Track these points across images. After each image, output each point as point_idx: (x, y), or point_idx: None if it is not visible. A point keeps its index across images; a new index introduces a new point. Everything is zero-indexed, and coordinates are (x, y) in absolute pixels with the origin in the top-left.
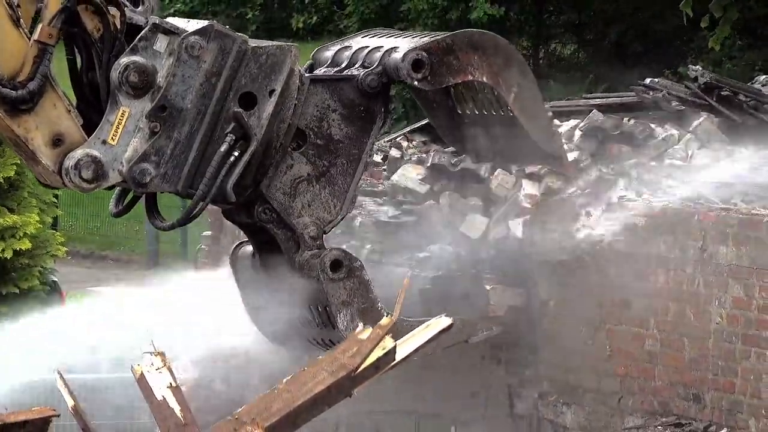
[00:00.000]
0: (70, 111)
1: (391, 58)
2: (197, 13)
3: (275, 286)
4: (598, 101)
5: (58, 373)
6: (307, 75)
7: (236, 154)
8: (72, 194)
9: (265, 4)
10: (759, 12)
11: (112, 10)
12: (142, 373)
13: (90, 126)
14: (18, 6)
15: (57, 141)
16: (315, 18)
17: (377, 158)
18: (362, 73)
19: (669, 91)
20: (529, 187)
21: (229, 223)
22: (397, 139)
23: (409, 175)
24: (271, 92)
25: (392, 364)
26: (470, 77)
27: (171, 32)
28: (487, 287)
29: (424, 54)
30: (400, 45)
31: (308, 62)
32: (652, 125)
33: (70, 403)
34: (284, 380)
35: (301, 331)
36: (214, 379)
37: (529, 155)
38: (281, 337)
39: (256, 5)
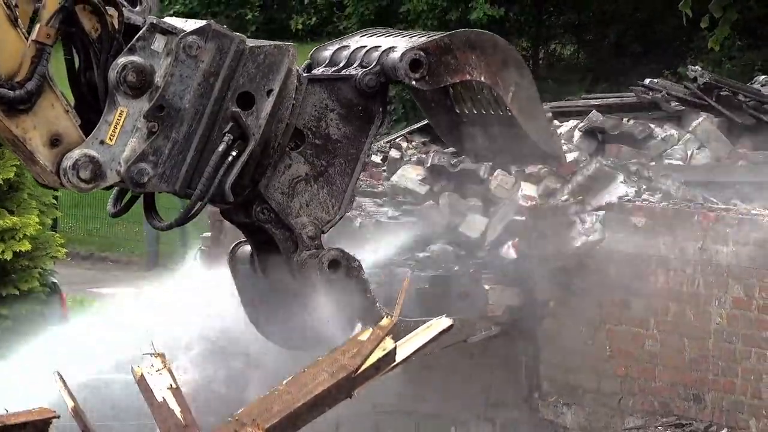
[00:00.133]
0: (68, 111)
1: (389, 58)
2: (196, 14)
3: (273, 285)
4: (597, 101)
5: (58, 374)
6: (305, 75)
7: (234, 153)
8: (72, 195)
9: (264, 5)
10: (758, 12)
11: (110, 10)
12: (142, 375)
13: (88, 126)
14: (16, 6)
15: (55, 141)
16: (314, 19)
17: (377, 159)
18: (360, 73)
19: (668, 91)
20: (527, 189)
21: (228, 223)
22: (397, 140)
23: (409, 176)
24: (269, 92)
25: (393, 364)
26: (468, 77)
27: (169, 32)
28: (486, 287)
29: (422, 54)
30: (398, 45)
31: (306, 62)
32: (652, 125)
33: (70, 404)
34: (284, 381)
35: (298, 331)
36: (215, 380)
37: (528, 155)
38: (279, 336)
39: (255, 6)
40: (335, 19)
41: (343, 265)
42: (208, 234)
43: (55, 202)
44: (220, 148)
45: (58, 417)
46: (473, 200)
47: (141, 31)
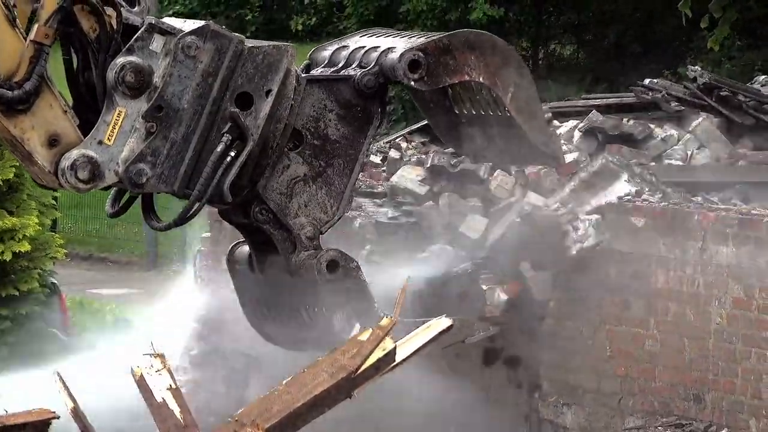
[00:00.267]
0: (66, 111)
1: (388, 59)
2: (196, 14)
3: (272, 286)
4: (597, 102)
5: (57, 374)
6: (303, 75)
7: (233, 154)
8: (71, 196)
9: (264, 6)
10: (758, 12)
11: (109, 10)
12: (141, 375)
13: (86, 126)
14: (14, 6)
15: (53, 141)
16: (314, 19)
17: (376, 159)
18: (359, 74)
19: (668, 91)
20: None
21: (227, 224)
22: (397, 140)
23: (409, 176)
24: (268, 92)
25: (392, 365)
26: (467, 77)
27: (167, 32)
28: (484, 287)
29: (421, 54)
30: (396, 45)
31: (305, 62)
32: (652, 126)
33: (69, 404)
34: (284, 382)
35: (297, 332)
36: (215, 381)
37: (527, 155)
38: (278, 337)
39: (255, 6)
40: (335, 19)
41: (342, 265)
42: (208, 234)
43: (55, 202)
44: (219, 149)
45: (58, 417)
46: (473, 200)
47: (139, 32)
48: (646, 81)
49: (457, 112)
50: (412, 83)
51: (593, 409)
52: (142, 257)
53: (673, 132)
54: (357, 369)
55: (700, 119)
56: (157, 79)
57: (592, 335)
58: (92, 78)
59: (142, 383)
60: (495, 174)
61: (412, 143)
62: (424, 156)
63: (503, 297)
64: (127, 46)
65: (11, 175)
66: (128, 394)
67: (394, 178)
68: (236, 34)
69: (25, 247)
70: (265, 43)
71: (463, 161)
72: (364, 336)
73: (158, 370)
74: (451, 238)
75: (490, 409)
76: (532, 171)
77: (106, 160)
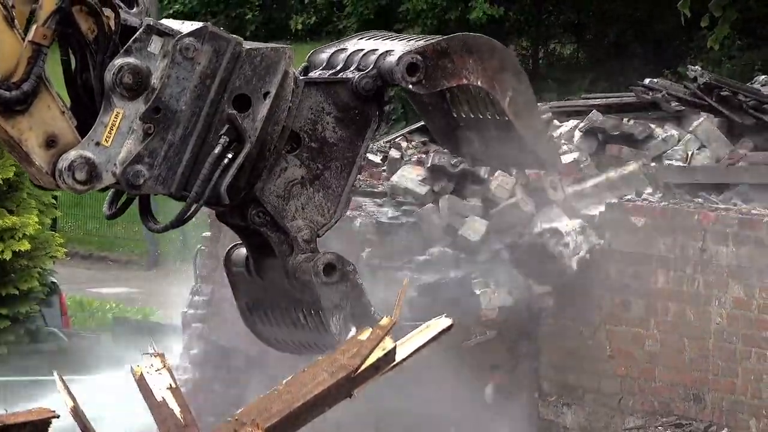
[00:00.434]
0: (64, 112)
1: (386, 62)
2: (196, 13)
3: (269, 289)
4: (597, 101)
5: (57, 373)
6: (301, 77)
7: (230, 156)
8: (71, 195)
9: (263, 5)
10: (758, 12)
11: (107, 12)
12: (141, 374)
13: (84, 128)
14: (12, 7)
15: (51, 142)
16: (314, 19)
17: (377, 159)
18: (357, 76)
19: (668, 91)
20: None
21: None
22: (397, 140)
23: (409, 176)
24: (266, 94)
25: (392, 364)
26: (465, 81)
27: (165, 34)
28: (477, 291)
29: (419, 57)
30: (395, 48)
31: (303, 64)
32: (652, 125)
33: (70, 404)
34: (284, 381)
35: (294, 335)
36: (215, 380)
37: (524, 160)
38: (275, 340)
39: (255, 6)
40: (335, 18)
41: (338, 268)
42: (208, 233)
43: (55, 201)
44: (216, 151)
45: (58, 417)
46: (473, 200)
47: (137, 33)
48: (647, 81)
49: (455, 115)
50: (410, 86)
51: (593, 409)
52: (142, 256)
53: (674, 132)
54: (357, 368)
55: (701, 119)
56: (155, 81)
57: (592, 335)
58: (90, 79)
59: (141, 382)
60: (495, 174)
61: (413, 143)
62: (424, 156)
63: (498, 301)
64: (125, 48)
65: (11, 174)
66: None
67: (394, 178)
68: (234, 35)
69: (25, 246)
70: (263, 45)
71: (464, 161)
72: (364, 336)
73: (158, 370)
74: (451, 240)
75: (490, 409)
76: (532, 171)
77: (104, 162)
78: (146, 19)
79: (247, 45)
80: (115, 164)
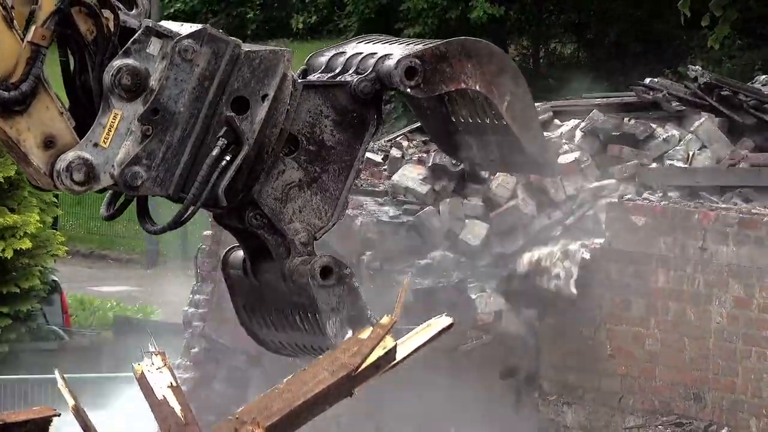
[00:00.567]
0: (62, 113)
1: (385, 65)
2: (197, 12)
3: (265, 291)
4: (598, 101)
5: (58, 372)
6: (300, 80)
7: (228, 158)
8: None
9: (264, 4)
10: (759, 11)
11: (106, 13)
12: (142, 373)
13: (82, 129)
14: (12, 7)
15: (49, 143)
16: (314, 18)
17: (378, 158)
18: (355, 80)
19: (669, 91)
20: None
21: None
22: (398, 139)
23: (410, 175)
24: (264, 97)
25: (393, 363)
26: (463, 85)
27: (164, 35)
28: (473, 296)
29: (417, 61)
30: (394, 52)
31: (302, 67)
32: (653, 125)
33: (71, 402)
34: (284, 380)
35: (290, 338)
36: (215, 379)
37: (522, 164)
38: (271, 342)
39: (256, 5)
40: (335, 17)
41: (335, 271)
42: (209, 232)
43: (56, 200)
44: (214, 153)
45: (59, 415)
46: (474, 199)
47: (136, 34)
48: (647, 80)
49: (453, 120)
50: (409, 90)
51: (594, 408)
52: (143, 255)
53: (675, 132)
54: (357, 367)
55: (702, 120)
56: (153, 82)
57: (592, 334)
58: (89, 80)
59: (142, 381)
60: (496, 173)
61: (413, 142)
62: (425, 155)
63: (494, 306)
64: (123, 49)
65: (13, 173)
66: None
67: (395, 177)
68: (233, 38)
69: (26, 244)
70: (261, 47)
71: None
72: (365, 334)
73: (159, 368)
74: (452, 244)
75: (490, 409)
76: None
77: (102, 163)
78: (145, 20)
79: (246, 47)
80: (113, 165)
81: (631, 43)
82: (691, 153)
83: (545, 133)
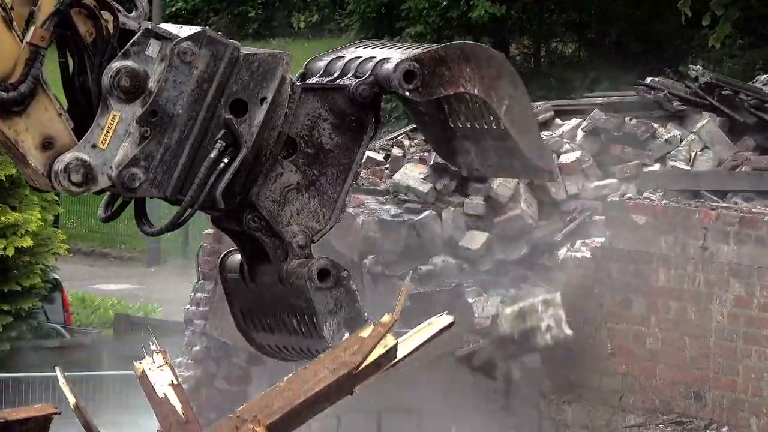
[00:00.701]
0: (60, 114)
1: (383, 69)
2: (199, 11)
3: (262, 294)
4: (599, 100)
5: (59, 369)
6: (298, 84)
7: (226, 160)
8: None
9: (266, 3)
10: (760, 11)
11: (105, 15)
12: (143, 371)
13: (81, 130)
14: (11, 8)
15: (47, 144)
16: (316, 17)
17: (379, 157)
18: (354, 83)
19: (670, 90)
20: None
21: None
22: (399, 138)
23: (411, 174)
24: (263, 100)
25: (394, 362)
26: (462, 89)
27: (163, 37)
28: (470, 300)
29: (416, 65)
30: (392, 56)
31: (300, 71)
32: (655, 125)
33: (72, 400)
34: (285, 378)
35: (287, 341)
36: (216, 377)
37: (520, 169)
38: (267, 346)
39: (257, 4)
40: (337, 16)
41: (333, 274)
42: (211, 230)
43: (57, 198)
44: (212, 155)
45: (60, 413)
46: (476, 198)
47: (136, 36)
48: (648, 80)
49: (451, 125)
50: (407, 93)
51: (594, 406)
52: (144, 253)
53: (677, 133)
54: (358, 366)
55: (705, 121)
56: (152, 84)
57: (593, 333)
58: (87, 82)
59: (143, 379)
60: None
61: (415, 141)
62: (426, 154)
63: (492, 310)
64: (122, 51)
65: (14, 171)
66: None
67: (396, 176)
68: (232, 40)
69: (28, 242)
70: (260, 50)
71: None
72: (366, 333)
73: (160, 366)
74: (453, 249)
75: (490, 408)
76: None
77: (100, 164)
78: (144, 22)
79: (245, 50)
80: (111, 167)
81: (632, 43)
82: (693, 154)
83: (543, 134)
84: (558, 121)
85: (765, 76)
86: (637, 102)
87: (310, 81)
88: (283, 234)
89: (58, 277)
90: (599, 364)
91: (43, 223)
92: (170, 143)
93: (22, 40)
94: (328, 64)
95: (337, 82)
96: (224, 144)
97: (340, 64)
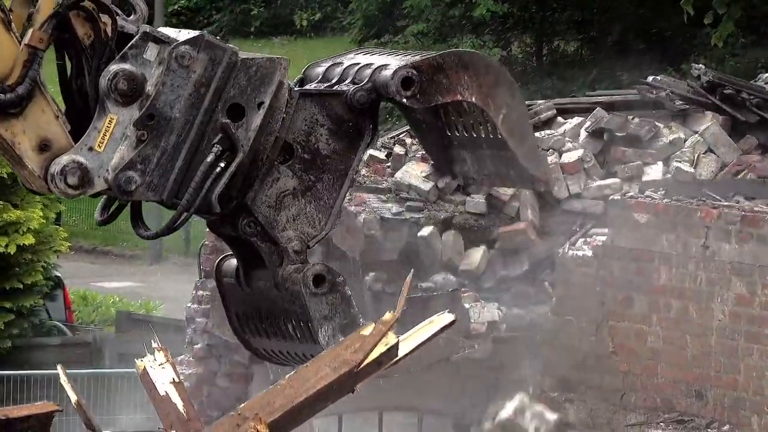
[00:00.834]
0: (58, 117)
1: (381, 75)
2: (201, 9)
3: (258, 299)
4: (601, 99)
5: (60, 367)
6: (296, 89)
7: (222, 165)
8: None
9: (268, 1)
10: (762, 9)
11: (104, 18)
12: (144, 369)
13: (78, 132)
14: (10, 10)
15: (44, 146)
16: (318, 15)
17: (381, 155)
18: (351, 89)
19: (672, 89)
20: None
21: None
22: (401, 136)
23: (413, 172)
24: (260, 105)
25: (395, 360)
26: (459, 97)
27: (161, 41)
28: (467, 305)
29: (414, 72)
30: (390, 62)
31: (299, 76)
32: (659, 124)
33: (73, 398)
34: (287, 376)
35: (282, 346)
36: (218, 375)
37: (516, 178)
38: (263, 351)
39: (260, 2)
40: (339, 14)
41: (328, 279)
42: None
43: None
44: (209, 159)
45: (61, 411)
46: (477, 197)
47: (134, 40)
48: (650, 78)
49: (448, 133)
50: (404, 100)
51: (595, 405)
52: (146, 251)
53: (681, 134)
54: (360, 364)
55: (709, 124)
56: (149, 88)
57: (594, 331)
58: (85, 84)
59: (145, 377)
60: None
61: (416, 139)
62: None
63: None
64: (120, 54)
65: None
66: None
67: (398, 174)
68: (230, 45)
69: (30, 240)
70: (258, 55)
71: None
72: (367, 331)
73: (161, 364)
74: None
75: (492, 406)
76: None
77: (96, 167)
78: (143, 26)
79: (243, 55)
80: (107, 170)
81: (634, 41)
82: (696, 155)
83: (545, 132)
84: (560, 119)
85: (767, 74)
86: (639, 101)
87: (308, 87)
88: (279, 239)
89: (59, 274)
90: (600, 362)
91: (44, 221)
92: (167, 147)
93: (20, 42)
94: (326, 70)
95: (334, 88)
96: (221, 148)
97: (339, 70)
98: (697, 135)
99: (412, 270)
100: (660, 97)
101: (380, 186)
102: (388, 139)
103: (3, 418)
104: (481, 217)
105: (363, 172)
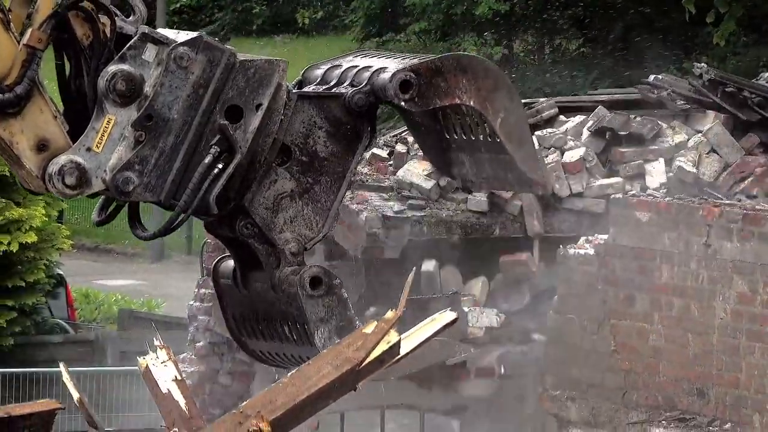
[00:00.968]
0: (56, 117)
1: (380, 78)
2: (203, 7)
3: (255, 301)
4: (603, 97)
5: (63, 365)
6: (294, 91)
7: (220, 166)
8: None
9: None
10: (764, 8)
11: (103, 18)
12: (147, 366)
13: (76, 133)
14: (9, 10)
15: (42, 146)
16: (320, 13)
17: (383, 153)
18: (350, 92)
19: (674, 89)
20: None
21: None
22: (403, 135)
23: (415, 171)
24: (258, 106)
25: (397, 358)
26: (458, 100)
27: (160, 42)
28: (465, 309)
29: (412, 75)
30: (389, 65)
31: (297, 79)
32: (661, 123)
33: (75, 395)
34: (289, 374)
35: (279, 348)
36: (220, 373)
37: (514, 182)
38: (260, 353)
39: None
40: (341, 13)
41: (325, 282)
42: None
43: None
44: (206, 160)
45: (63, 409)
46: (478, 196)
47: (132, 40)
48: (651, 77)
49: (447, 136)
50: (403, 103)
51: (597, 403)
52: (148, 249)
53: (684, 135)
54: (361, 362)
55: (712, 124)
56: (148, 89)
57: (596, 330)
58: (84, 85)
59: (147, 374)
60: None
61: None
62: None
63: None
64: (119, 55)
65: None
66: None
67: (400, 173)
68: (228, 46)
69: (32, 238)
70: (257, 57)
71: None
72: (369, 329)
73: (163, 362)
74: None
75: (492, 405)
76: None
77: (94, 167)
78: (141, 27)
79: (241, 56)
80: (105, 170)
81: (636, 40)
82: (699, 155)
83: (547, 130)
84: (562, 117)
85: None
86: (641, 99)
87: (306, 89)
88: (276, 241)
89: (62, 272)
90: (602, 360)
91: (47, 219)
92: (165, 148)
93: (19, 42)
94: (325, 72)
95: (333, 90)
96: (219, 150)
97: (337, 72)
98: (700, 135)
99: (414, 268)
100: (662, 96)
101: (382, 184)
102: (390, 137)
103: (5, 415)
104: (482, 215)
105: (365, 170)
